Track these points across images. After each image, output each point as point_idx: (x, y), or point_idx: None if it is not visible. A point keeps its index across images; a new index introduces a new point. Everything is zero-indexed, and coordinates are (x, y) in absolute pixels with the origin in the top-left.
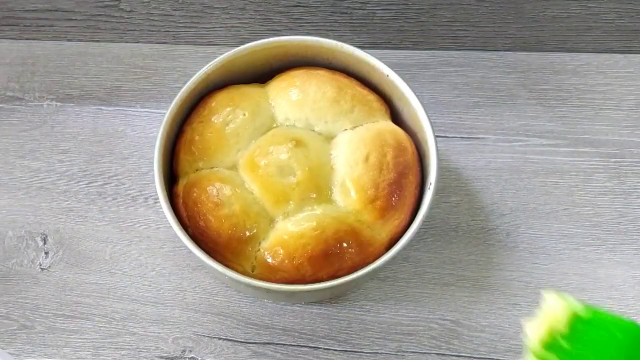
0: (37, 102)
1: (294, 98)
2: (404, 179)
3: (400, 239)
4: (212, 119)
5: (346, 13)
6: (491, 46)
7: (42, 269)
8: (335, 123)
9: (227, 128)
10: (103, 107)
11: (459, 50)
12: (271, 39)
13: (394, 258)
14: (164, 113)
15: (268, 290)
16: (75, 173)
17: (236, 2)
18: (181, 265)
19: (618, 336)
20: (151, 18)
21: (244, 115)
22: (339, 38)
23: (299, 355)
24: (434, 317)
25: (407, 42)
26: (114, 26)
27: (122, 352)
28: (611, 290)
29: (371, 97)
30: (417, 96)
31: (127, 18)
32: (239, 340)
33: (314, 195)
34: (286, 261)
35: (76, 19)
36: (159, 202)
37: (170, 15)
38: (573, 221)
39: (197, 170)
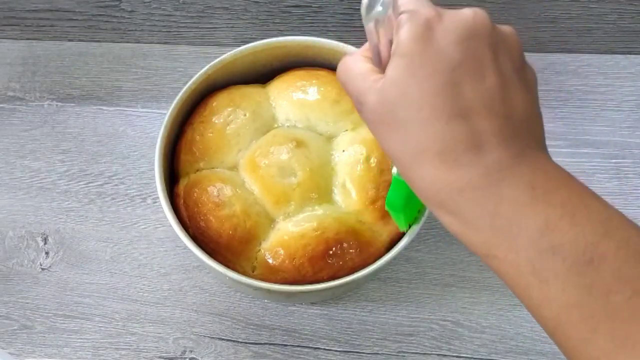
0: (38, 102)
1: (295, 98)
2: None
3: (401, 240)
4: (213, 119)
5: (347, 13)
6: None
7: (43, 269)
8: (336, 124)
9: (228, 128)
10: (103, 107)
11: None
12: (272, 40)
13: (394, 259)
14: (164, 113)
15: (269, 291)
16: (76, 173)
17: (237, 2)
18: (181, 265)
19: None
20: (152, 18)
21: (245, 115)
22: (339, 38)
23: (300, 356)
24: (435, 318)
25: None
26: (115, 26)
27: (122, 352)
28: None
29: None
30: None
31: (128, 18)
32: (239, 340)
33: (315, 196)
34: (287, 261)
35: (77, 19)
36: (158, 202)
37: (171, 15)
38: None
39: (197, 170)
